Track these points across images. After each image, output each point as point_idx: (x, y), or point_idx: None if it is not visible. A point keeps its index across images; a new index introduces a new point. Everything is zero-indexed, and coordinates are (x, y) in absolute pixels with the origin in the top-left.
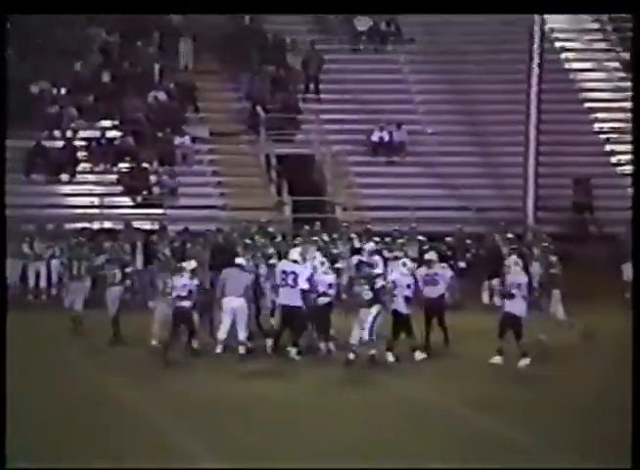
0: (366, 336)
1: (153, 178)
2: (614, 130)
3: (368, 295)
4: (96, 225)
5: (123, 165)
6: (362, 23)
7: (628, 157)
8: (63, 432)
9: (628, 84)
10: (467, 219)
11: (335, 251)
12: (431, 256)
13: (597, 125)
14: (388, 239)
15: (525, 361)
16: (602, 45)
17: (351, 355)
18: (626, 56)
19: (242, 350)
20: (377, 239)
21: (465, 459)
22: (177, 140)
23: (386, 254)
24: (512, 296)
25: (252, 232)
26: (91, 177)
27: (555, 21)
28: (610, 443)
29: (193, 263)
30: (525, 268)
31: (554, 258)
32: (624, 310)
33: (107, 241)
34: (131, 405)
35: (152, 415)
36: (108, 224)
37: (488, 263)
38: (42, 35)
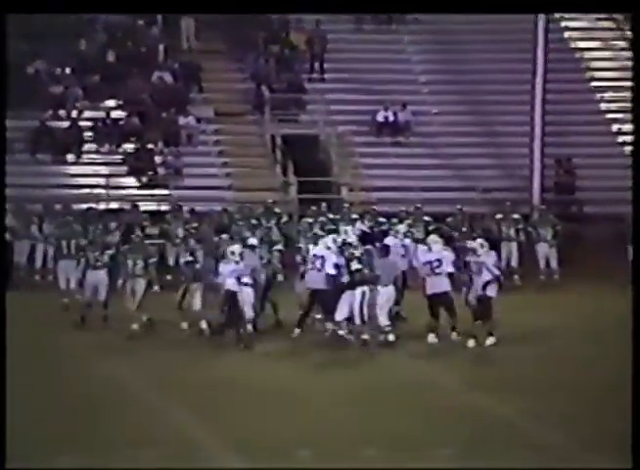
0: (357, 320)
1: (158, 159)
2: (620, 110)
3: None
4: (102, 206)
5: (128, 146)
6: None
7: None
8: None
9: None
10: (472, 200)
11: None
12: (433, 239)
13: (603, 105)
14: (394, 219)
15: (491, 340)
16: (608, 24)
17: (365, 336)
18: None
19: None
20: (382, 220)
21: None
22: (182, 120)
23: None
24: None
25: (258, 213)
26: (97, 157)
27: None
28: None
29: (237, 247)
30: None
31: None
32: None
33: (113, 221)
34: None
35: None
36: (113, 205)
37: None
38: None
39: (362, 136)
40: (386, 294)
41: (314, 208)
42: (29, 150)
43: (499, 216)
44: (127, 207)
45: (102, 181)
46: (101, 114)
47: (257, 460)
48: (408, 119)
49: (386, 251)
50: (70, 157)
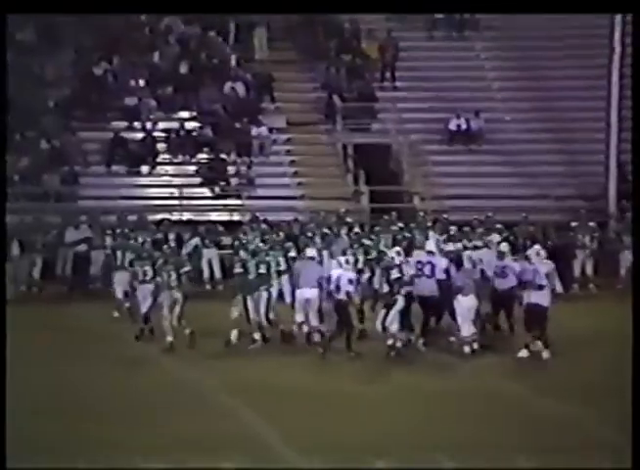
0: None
1: (231, 169)
2: None
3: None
4: (175, 216)
5: (202, 156)
6: None
7: None
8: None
9: None
10: (546, 208)
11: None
12: (503, 247)
13: None
14: (466, 228)
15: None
16: None
17: (390, 341)
18: None
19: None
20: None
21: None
22: (254, 130)
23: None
24: (540, 287)
25: (331, 222)
26: (170, 169)
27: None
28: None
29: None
30: (551, 257)
31: None
32: None
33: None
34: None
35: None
36: (187, 215)
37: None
38: (118, 26)
39: (434, 144)
40: (466, 303)
41: (386, 217)
42: (104, 161)
43: (574, 224)
44: (201, 218)
45: (176, 192)
46: (174, 125)
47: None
48: (481, 127)
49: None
50: (145, 168)
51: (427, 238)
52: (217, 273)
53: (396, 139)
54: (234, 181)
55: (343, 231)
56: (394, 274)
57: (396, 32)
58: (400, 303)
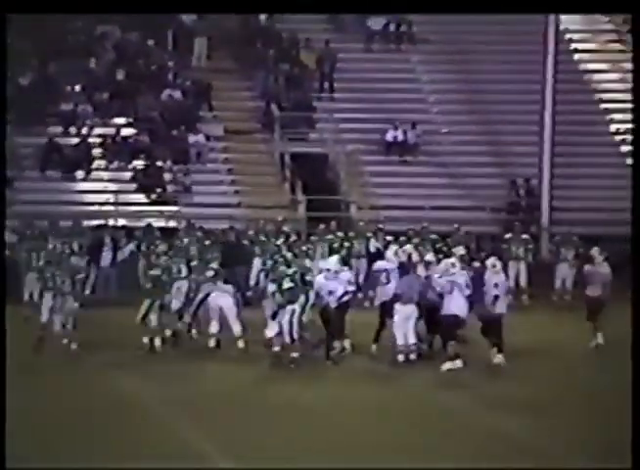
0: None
1: (167, 176)
2: (629, 131)
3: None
4: (111, 222)
5: (138, 163)
6: (376, 22)
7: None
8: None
9: None
10: (481, 219)
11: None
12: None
13: (613, 127)
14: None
15: (498, 358)
16: (616, 46)
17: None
18: None
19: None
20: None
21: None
22: (191, 138)
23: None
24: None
25: (267, 230)
26: (105, 174)
27: (569, 21)
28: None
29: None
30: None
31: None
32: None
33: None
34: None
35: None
36: (122, 221)
37: None
38: (55, 32)
39: (371, 155)
40: (404, 312)
41: (322, 226)
42: (39, 166)
43: (508, 236)
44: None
45: (111, 198)
46: (111, 131)
47: None
48: (417, 139)
49: (404, 269)
50: (80, 173)
51: (368, 247)
52: None
53: (333, 149)
54: (170, 188)
55: (280, 240)
56: (287, 284)
57: (335, 44)
58: None
